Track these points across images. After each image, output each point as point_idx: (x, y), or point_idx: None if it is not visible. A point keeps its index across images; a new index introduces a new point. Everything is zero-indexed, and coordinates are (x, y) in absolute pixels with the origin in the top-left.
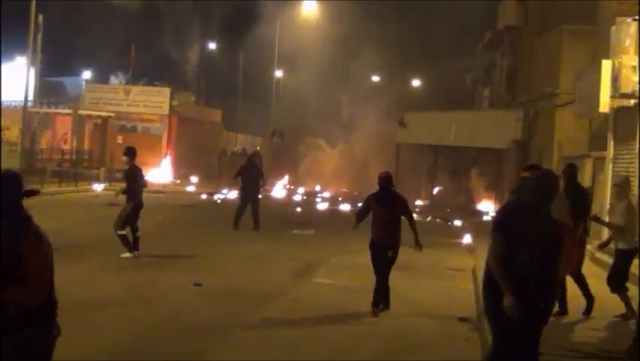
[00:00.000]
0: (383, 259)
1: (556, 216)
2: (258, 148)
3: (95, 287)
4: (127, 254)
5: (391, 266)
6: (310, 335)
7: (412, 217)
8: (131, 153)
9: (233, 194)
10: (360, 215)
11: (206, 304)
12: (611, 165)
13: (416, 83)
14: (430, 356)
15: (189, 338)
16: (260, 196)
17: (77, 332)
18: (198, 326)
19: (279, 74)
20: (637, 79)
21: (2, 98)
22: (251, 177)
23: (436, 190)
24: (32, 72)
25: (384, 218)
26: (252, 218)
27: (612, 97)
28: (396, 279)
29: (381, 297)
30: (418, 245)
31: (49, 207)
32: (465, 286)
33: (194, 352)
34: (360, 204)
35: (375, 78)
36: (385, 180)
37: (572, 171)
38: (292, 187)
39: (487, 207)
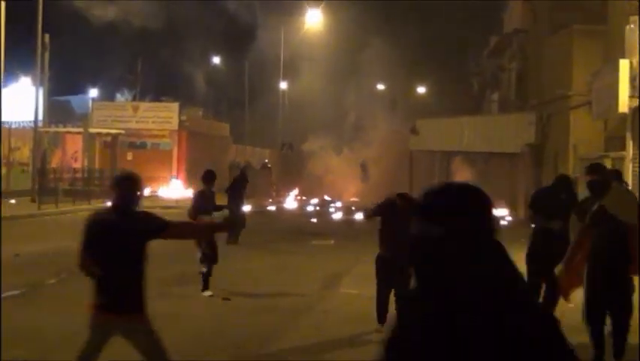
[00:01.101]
0: (400, 277)
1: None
2: (266, 160)
3: None
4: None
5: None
6: (344, 347)
7: None
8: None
9: (246, 207)
10: (373, 213)
11: (237, 320)
12: (630, 165)
13: (422, 90)
14: None
15: (227, 354)
16: (270, 207)
17: (112, 351)
18: (232, 343)
19: (284, 85)
20: None
21: (11, 119)
22: (237, 189)
23: None
24: (40, 92)
25: (403, 232)
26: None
27: (631, 97)
28: None
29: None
30: None
31: (65, 226)
32: None
33: None
34: (377, 204)
35: (381, 86)
36: (403, 200)
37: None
38: (304, 198)
39: (502, 212)
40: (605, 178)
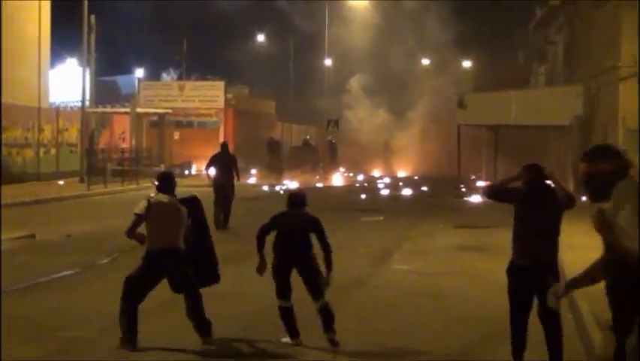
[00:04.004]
0: (538, 288)
1: None
2: (308, 137)
3: None
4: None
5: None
6: (398, 323)
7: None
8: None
9: (294, 185)
10: (496, 192)
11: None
12: None
13: (467, 64)
14: None
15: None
16: (317, 185)
17: (175, 326)
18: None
19: (329, 62)
20: None
21: (58, 101)
22: (223, 166)
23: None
24: (87, 73)
25: (536, 225)
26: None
27: None
28: (474, 261)
29: (553, 350)
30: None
31: (115, 206)
32: None
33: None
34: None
35: (426, 61)
36: (536, 174)
37: None
38: (351, 174)
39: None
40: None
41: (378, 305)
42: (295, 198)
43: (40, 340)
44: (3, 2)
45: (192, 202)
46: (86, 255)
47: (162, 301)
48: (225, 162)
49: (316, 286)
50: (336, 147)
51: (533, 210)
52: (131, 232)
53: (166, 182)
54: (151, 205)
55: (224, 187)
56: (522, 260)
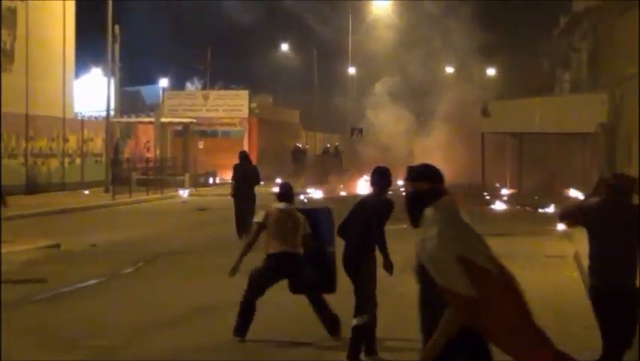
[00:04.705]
0: (623, 315)
1: None
2: (328, 145)
3: (206, 293)
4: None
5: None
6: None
7: None
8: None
9: (318, 193)
10: (568, 213)
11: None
12: None
13: (491, 72)
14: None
15: (307, 338)
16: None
17: (193, 337)
18: (311, 328)
19: (352, 70)
20: None
21: (83, 111)
22: (244, 176)
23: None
24: (112, 82)
25: (617, 242)
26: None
27: None
28: None
29: None
30: None
31: (140, 215)
32: (570, 274)
33: (314, 353)
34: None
35: (450, 69)
36: (623, 190)
37: None
38: None
39: (577, 193)
40: None
41: (402, 314)
42: (381, 175)
43: (65, 349)
44: (29, 12)
45: (317, 212)
46: (111, 264)
47: (198, 307)
48: (245, 173)
49: (361, 297)
50: (341, 154)
51: (612, 229)
52: (253, 240)
53: (285, 192)
54: (269, 214)
55: (244, 198)
56: (600, 282)
